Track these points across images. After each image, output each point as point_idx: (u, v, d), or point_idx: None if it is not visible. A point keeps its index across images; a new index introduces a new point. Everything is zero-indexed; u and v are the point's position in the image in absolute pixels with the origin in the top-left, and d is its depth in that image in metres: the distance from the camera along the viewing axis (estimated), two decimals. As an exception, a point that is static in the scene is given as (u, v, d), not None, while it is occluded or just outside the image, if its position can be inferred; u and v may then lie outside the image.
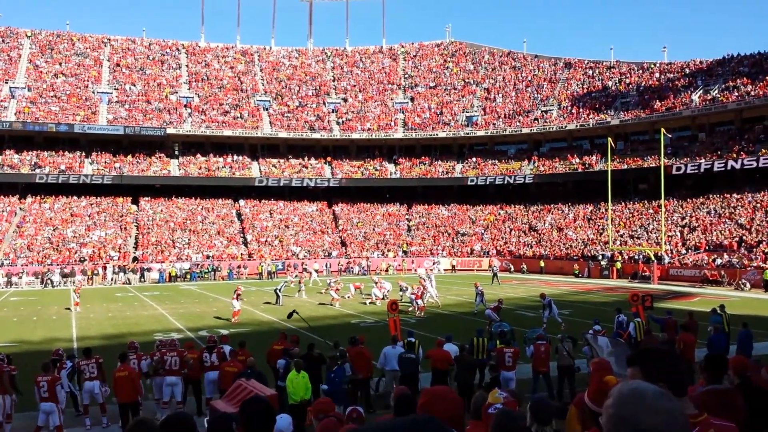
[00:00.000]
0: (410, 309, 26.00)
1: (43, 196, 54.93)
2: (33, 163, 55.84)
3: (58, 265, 45.58)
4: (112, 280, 45.41)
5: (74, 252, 48.20)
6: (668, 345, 12.97)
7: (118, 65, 68.68)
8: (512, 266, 51.24)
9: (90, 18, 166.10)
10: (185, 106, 64.77)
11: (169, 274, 46.36)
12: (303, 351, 12.53)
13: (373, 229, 59.80)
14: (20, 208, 53.34)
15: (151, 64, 70.55)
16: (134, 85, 66.09)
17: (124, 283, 44.84)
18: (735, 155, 47.91)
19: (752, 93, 49.61)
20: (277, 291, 30.81)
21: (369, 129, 66.49)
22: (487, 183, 62.76)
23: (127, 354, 12.50)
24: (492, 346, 13.64)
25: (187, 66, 71.81)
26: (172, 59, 72.44)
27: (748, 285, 35.82)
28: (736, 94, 50.81)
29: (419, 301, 26.66)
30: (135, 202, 57.70)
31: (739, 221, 43.83)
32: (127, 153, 59.78)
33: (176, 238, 52.77)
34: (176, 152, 62.67)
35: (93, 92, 63.37)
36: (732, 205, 46.34)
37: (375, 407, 12.22)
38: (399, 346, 13.18)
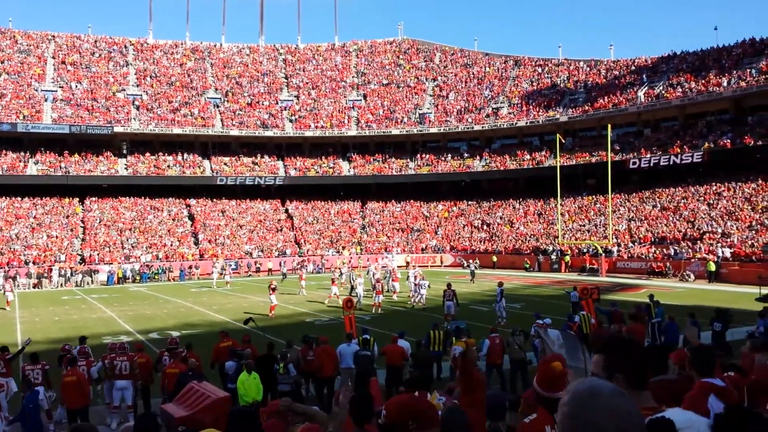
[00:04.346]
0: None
1: (-16, 198, 53.06)
2: (-27, 163, 53.89)
3: (1, 268, 44.10)
4: (58, 282, 44.19)
5: (18, 254, 46.73)
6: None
7: (63, 62, 66.72)
8: (465, 261, 51.65)
9: (33, 14, 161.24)
10: (133, 103, 63.39)
11: (117, 275, 45.34)
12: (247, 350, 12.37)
13: (328, 227, 59.60)
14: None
15: (98, 61, 68.77)
16: (80, 83, 64.32)
17: (76, 285, 43.69)
18: (679, 150, 49.32)
19: (695, 89, 51.09)
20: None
21: (322, 126, 66.18)
22: (440, 180, 63.22)
23: (75, 359, 12.15)
24: (449, 344, 13.75)
25: (134, 63, 70.25)
26: (120, 56, 70.73)
27: (692, 276, 36.93)
28: (680, 90, 52.25)
29: (379, 297, 26.78)
30: (82, 202, 56.19)
31: (684, 214, 45.13)
32: (73, 152, 58.12)
33: (125, 239, 51.63)
34: (124, 151, 61.24)
35: (37, 90, 61.45)
36: (677, 199, 47.68)
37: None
38: (354, 343, 13.17)
